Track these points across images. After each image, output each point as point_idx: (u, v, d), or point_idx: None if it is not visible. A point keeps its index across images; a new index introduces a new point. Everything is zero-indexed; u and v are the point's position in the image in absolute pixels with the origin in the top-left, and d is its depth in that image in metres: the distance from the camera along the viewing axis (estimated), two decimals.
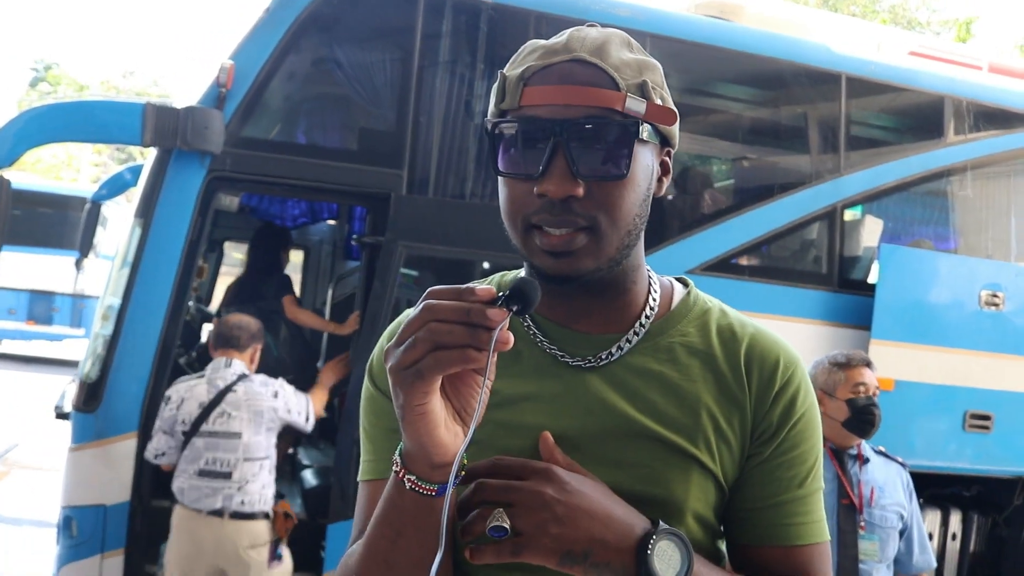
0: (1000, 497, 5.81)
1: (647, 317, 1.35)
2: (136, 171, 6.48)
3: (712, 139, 5.82)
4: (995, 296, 5.44)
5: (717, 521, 1.34)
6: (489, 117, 1.30)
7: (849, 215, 5.68)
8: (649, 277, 1.39)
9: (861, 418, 3.49)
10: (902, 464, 3.72)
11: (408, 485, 1.12)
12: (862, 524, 3.47)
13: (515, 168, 1.25)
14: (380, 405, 1.36)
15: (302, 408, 4.61)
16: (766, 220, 5.34)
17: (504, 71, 1.28)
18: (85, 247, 6.95)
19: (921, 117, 5.96)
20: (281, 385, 4.56)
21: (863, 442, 3.60)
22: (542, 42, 1.29)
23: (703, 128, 5.68)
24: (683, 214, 5.39)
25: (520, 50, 1.31)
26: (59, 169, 31.86)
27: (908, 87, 5.74)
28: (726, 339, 1.36)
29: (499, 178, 1.29)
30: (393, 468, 1.14)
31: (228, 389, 4.42)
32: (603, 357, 1.32)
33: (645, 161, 1.28)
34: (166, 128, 4.43)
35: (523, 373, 1.31)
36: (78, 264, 7.11)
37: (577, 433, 1.28)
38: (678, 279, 1.45)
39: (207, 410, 4.38)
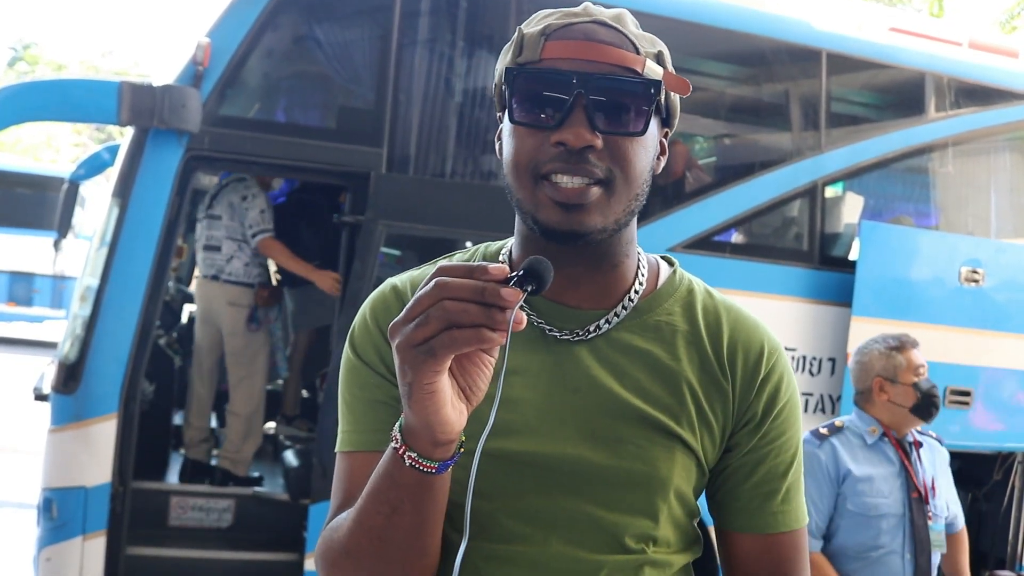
0: (980, 472, 5.84)
1: (636, 292, 1.35)
2: (114, 151, 6.42)
3: (692, 116, 5.80)
4: (975, 272, 5.45)
5: (695, 500, 1.36)
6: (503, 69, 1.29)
7: (830, 192, 5.68)
8: (638, 253, 1.39)
9: (929, 402, 3.30)
10: (938, 439, 3.53)
11: (408, 462, 1.11)
12: (930, 515, 3.27)
13: (531, 118, 1.24)
14: (363, 376, 1.35)
15: (254, 223, 5.53)
16: (747, 197, 5.32)
17: (522, 28, 1.28)
18: (64, 228, 6.90)
19: (902, 94, 5.95)
20: (255, 197, 5.57)
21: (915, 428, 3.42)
22: (556, 9, 1.30)
23: (683, 105, 5.64)
24: (664, 191, 5.38)
25: (532, 17, 1.31)
26: (38, 149, 31.58)
27: (889, 64, 5.72)
28: (710, 322, 1.37)
29: (506, 132, 1.29)
30: (392, 444, 1.13)
31: (227, 185, 5.67)
32: (591, 330, 1.32)
33: (654, 131, 1.30)
34: (143, 107, 4.38)
35: (512, 346, 1.30)
36: (57, 245, 7.06)
37: (564, 408, 1.29)
38: (663, 257, 1.45)
39: (211, 199, 5.72)
